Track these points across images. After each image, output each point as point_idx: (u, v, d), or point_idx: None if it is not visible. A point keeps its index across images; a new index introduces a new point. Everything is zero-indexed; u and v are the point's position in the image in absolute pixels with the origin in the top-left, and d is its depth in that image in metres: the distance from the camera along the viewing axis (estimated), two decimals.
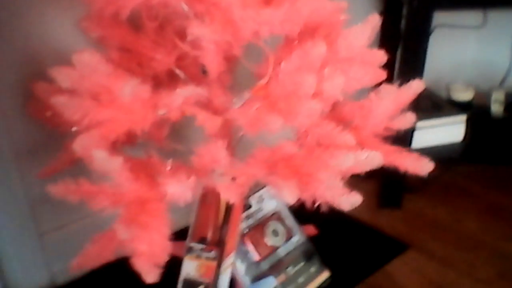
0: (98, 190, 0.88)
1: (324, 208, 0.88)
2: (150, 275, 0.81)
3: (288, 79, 0.87)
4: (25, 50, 1.08)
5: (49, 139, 1.12)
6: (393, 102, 0.98)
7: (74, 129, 0.91)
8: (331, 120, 0.94)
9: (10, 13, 1.03)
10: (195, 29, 0.81)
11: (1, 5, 1.01)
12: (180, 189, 0.84)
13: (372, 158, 0.88)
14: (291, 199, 0.82)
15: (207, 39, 0.83)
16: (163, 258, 0.84)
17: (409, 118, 1.06)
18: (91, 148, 0.83)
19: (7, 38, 1.04)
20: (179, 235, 1.01)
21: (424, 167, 0.99)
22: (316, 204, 0.88)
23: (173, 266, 0.92)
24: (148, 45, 1.05)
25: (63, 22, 1.10)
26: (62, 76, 0.89)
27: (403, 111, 1.05)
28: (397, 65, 1.35)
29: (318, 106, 0.85)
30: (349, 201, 0.85)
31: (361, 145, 0.94)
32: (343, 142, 0.90)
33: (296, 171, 0.88)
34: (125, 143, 0.99)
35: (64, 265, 1.14)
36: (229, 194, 0.86)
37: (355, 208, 1.34)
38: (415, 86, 1.00)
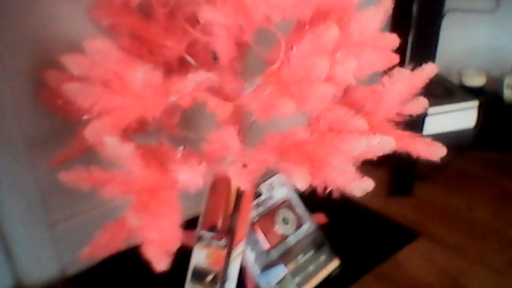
0: (109, 178, 0.87)
1: (335, 194, 0.87)
2: (161, 263, 0.81)
3: (300, 63, 0.87)
4: (36, 39, 1.08)
5: (60, 128, 1.12)
6: (406, 86, 0.97)
7: (85, 117, 0.91)
8: (343, 105, 0.93)
9: (21, 1, 1.03)
10: (207, 13, 0.80)
11: None
12: (191, 176, 0.83)
13: (384, 143, 0.87)
14: (303, 185, 0.81)
15: (218, 23, 0.82)
16: (174, 246, 0.83)
17: (421, 103, 1.04)
18: (102, 135, 0.83)
19: (19, 27, 1.04)
20: (190, 224, 1.01)
21: (437, 152, 0.98)
22: (328, 190, 0.87)
23: (183, 255, 0.92)
24: (159, 32, 1.04)
25: (74, 11, 1.10)
26: (73, 63, 0.89)
27: (416, 95, 1.03)
28: (409, 50, 1.34)
29: (330, 89, 0.84)
30: (361, 186, 0.84)
31: (373, 130, 0.93)
32: (355, 127, 0.89)
33: (307, 157, 0.87)
34: (136, 131, 0.99)
35: (75, 256, 1.15)
36: (240, 181, 0.86)
37: (366, 195, 1.34)
38: (428, 70, 0.99)
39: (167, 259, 0.81)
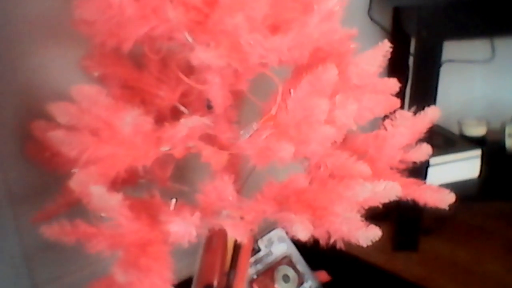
0: (95, 232, 0.83)
1: (339, 245, 0.82)
2: None
3: (298, 106, 0.84)
4: (25, 91, 1.06)
5: (46, 183, 1.08)
6: (409, 130, 0.94)
7: (74, 170, 0.87)
8: (345, 152, 0.89)
9: (12, 54, 1.03)
10: (200, 54, 0.77)
11: (4, 46, 1.01)
12: (183, 227, 0.79)
13: (390, 189, 0.82)
14: (304, 235, 0.76)
15: (212, 64, 0.79)
16: None
17: (425, 150, 1.01)
18: (89, 185, 0.78)
19: (8, 79, 1.04)
20: (183, 286, 0.97)
21: (445, 199, 0.93)
22: (331, 241, 0.82)
23: None
24: (152, 82, 1.03)
25: (65, 62, 1.09)
26: (60, 111, 0.87)
27: (418, 142, 1.00)
28: (407, 97, 1.33)
29: (331, 131, 0.80)
30: (367, 235, 0.79)
31: (376, 177, 0.88)
32: (358, 173, 0.84)
33: (308, 205, 0.82)
34: (126, 183, 0.95)
35: None
36: (236, 233, 0.81)
37: (370, 251, 1.28)
38: (431, 113, 0.96)
39: None
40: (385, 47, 0.95)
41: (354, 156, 0.89)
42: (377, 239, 0.80)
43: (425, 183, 0.98)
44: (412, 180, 0.97)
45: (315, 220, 0.80)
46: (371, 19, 1.64)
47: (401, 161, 1.00)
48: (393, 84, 1.00)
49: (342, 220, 0.79)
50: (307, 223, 0.76)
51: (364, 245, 0.80)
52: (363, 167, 0.86)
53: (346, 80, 0.91)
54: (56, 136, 0.84)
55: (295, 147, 0.80)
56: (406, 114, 0.94)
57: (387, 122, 0.94)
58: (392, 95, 1.01)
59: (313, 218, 0.79)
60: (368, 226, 0.80)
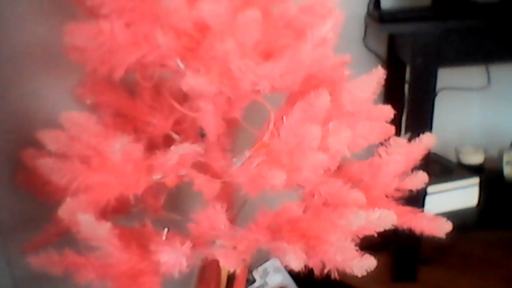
0: (84, 261, 0.82)
1: (334, 275, 0.79)
2: None
3: (291, 133, 0.83)
4: (16, 119, 1.07)
5: (36, 212, 1.05)
6: (404, 157, 0.93)
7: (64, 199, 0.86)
8: (339, 179, 0.88)
9: (3, 81, 1.03)
10: (190, 80, 0.77)
11: None
12: (174, 257, 0.77)
13: (385, 217, 0.81)
14: (298, 265, 0.74)
15: (203, 91, 0.79)
16: None
17: (421, 178, 0.99)
18: (78, 214, 0.77)
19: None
20: None
21: (441, 228, 0.92)
22: (326, 271, 0.80)
23: None
24: (144, 110, 1.03)
25: (57, 90, 1.09)
26: (50, 139, 0.87)
27: (415, 170, 0.99)
28: (403, 125, 1.32)
29: (323, 158, 0.79)
30: (362, 265, 0.77)
31: (372, 205, 0.87)
32: (352, 201, 0.83)
33: (302, 234, 0.81)
34: (117, 212, 0.94)
35: None
36: (229, 263, 0.79)
37: (368, 282, 1.26)
38: (426, 140, 0.95)
39: None
40: (379, 74, 0.94)
41: (348, 184, 0.87)
42: (372, 269, 0.78)
43: (422, 211, 0.96)
44: (408, 208, 0.95)
45: (309, 249, 0.78)
46: (366, 47, 1.64)
47: (397, 189, 0.99)
48: (388, 111, 0.99)
49: (336, 249, 0.78)
50: (300, 253, 0.75)
51: (359, 275, 0.78)
52: (358, 195, 0.84)
53: (339, 106, 0.90)
54: (46, 164, 0.83)
55: (287, 174, 0.79)
56: (400, 141, 0.93)
57: (381, 149, 0.93)
58: (387, 122, 1.01)
59: (306, 247, 0.78)
60: (363, 255, 0.78)
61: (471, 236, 1.65)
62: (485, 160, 1.71)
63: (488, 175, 1.66)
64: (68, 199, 0.80)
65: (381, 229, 0.82)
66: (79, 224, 0.76)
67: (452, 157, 1.72)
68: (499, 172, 1.71)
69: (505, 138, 1.81)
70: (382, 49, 1.65)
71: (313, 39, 0.87)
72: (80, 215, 0.75)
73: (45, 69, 1.08)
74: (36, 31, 1.04)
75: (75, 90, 1.03)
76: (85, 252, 0.82)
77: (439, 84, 1.63)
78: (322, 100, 0.82)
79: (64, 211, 0.79)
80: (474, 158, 1.69)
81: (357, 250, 0.79)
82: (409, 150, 0.94)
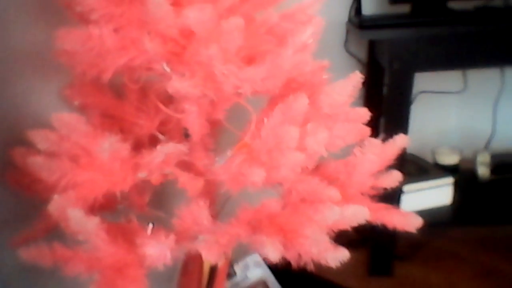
0: (73, 255, 0.85)
1: (310, 267, 0.84)
2: None
3: (271, 134, 0.87)
4: (5, 119, 1.08)
5: (24, 209, 1.08)
6: (378, 157, 0.98)
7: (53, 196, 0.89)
8: (316, 177, 0.92)
9: None
10: (175, 83, 0.81)
11: None
12: (159, 250, 0.81)
13: (358, 213, 0.85)
14: (275, 256, 0.78)
15: (188, 94, 0.83)
16: None
17: (395, 176, 1.04)
18: (67, 209, 0.80)
19: None
20: None
21: (412, 223, 0.97)
22: (302, 263, 0.84)
23: None
24: (131, 111, 1.06)
25: (46, 91, 1.11)
26: (40, 138, 0.89)
27: (389, 168, 1.04)
28: (381, 127, 1.37)
29: (301, 157, 0.84)
30: (336, 257, 0.82)
31: (347, 202, 0.92)
32: (328, 197, 0.88)
33: (280, 229, 0.85)
34: (104, 208, 0.97)
35: None
36: (211, 255, 0.83)
37: (345, 276, 1.31)
38: (400, 141, 1.00)
39: None
40: (356, 78, 0.99)
41: (325, 181, 0.92)
42: (345, 260, 0.82)
43: (394, 208, 1.01)
44: (381, 205, 1.00)
45: (287, 242, 0.82)
46: (348, 51, 1.70)
47: (372, 187, 1.04)
48: (364, 113, 1.04)
49: (312, 242, 0.82)
50: (278, 245, 0.79)
51: (333, 266, 0.82)
52: (333, 192, 0.89)
53: (317, 109, 0.95)
54: (36, 162, 0.86)
55: (267, 172, 0.84)
56: (375, 142, 0.98)
57: (357, 149, 0.98)
58: (364, 123, 1.05)
59: (284, 240, 0.82)
60: (337, 248, 0.83)
61: (445, 233, 1.70)
62: (460, 160, 1.78)
63: (462, 175, 1.73)
64: (58, 196, 0.83)
65: (355, 224, 0.87)
66: (68, 218, 0.79)
67: (429, 158, 1.78)
68: (473, 172, 1.78)
69: (480, 140, 1.89)
70: (363, 54, 1.71)
71: (294, 45, 0.91)
72: (70, 210, 0.79)
73: (34, 71, 1.09)
74: (26, 35, 1.06)
75: (63, 92, 1.05)
76: (73, 246, 0.86)
77: (418, 87, 1.69)
78: (301, 103, 0.86)
79: (53, 207, 0.82)
80: (450, 159, 1.75)
81: (331, 243, 0.83)
82: (383, 150, 0.99)
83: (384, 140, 1.01)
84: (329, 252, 0.82)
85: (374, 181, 1.02)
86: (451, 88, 1.83)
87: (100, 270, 0.85)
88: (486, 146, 1.88)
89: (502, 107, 1.86)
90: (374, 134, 1.11)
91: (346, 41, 1.69)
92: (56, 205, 0.82)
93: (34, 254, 0.83)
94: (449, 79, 1.82)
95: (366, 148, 0.97)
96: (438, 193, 1.59)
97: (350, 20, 1.58)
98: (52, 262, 0.84)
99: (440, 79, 1.79)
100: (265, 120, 0.89)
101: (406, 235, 1.17)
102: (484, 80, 1.83)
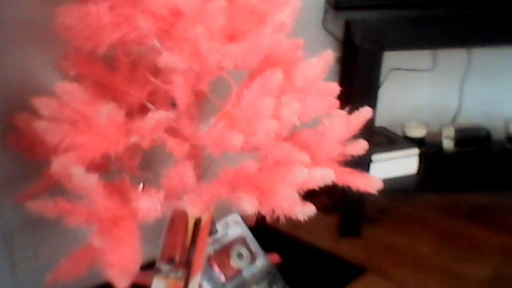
0: (73, 208, 0.95)
1: (282, 220, 0.96)
2: (121, 282, 0.88)
3: (249, 104, 0.98)
4: (6, 87, 1.16)
5: (25, 169, 1.18)
6: (344, 126, 1.09)
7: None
8: (290, 144, 1.03)
9: None
10: (166, 58, 0.91)
11: None
12: (150, 204, 0.91)
13: (325, 174, 0.97)
14: (251, 210, 0.90)
15: (176, 67, 0.93)
16: (134, 268, 0.90)
17: (361, 145, 1.15)
18: (69, 167, 0.91)
19: None
20: (147, 267, 1.07)
21: (374, 185, 1.09)
22: (275, 217, 0.96)
23: None
24: (122, 81, 1.14)
25: (42, 61, 1.19)
26: (43, 104, 0.98)
27: (356, 137, 1.15)
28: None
29: (275, 124, 0.95)
30: (304, 211, 0.93)
31: (317, 166, 1.03)
32: (299, 161, 0.99)
33: (256, 187, 0.96)
34: (100, 169, 1.06)
35: None
36: (195, 209, 0.94)
37: (319, 237, 1.43)
38: (364, 112, 1.11)
39: (127, 278, 0.88)
40: (328, 56, 1.09)
41: (297, 147, 1.03)
42: (312, 215, 0.94)
43: (358, 172, 1.12)
44: (347, 169, 1.11)
45: (262, 199, 0.93)
46: (325, 29, 1.79)
47: (341, 154, 1.15)
48: (334, 87, 1.14)
49: (284, 198, 0.93)
50: (254, 200, 0.90)
51: (301, 220, 0.94)
52: (303, 156, 1.00)
53: (291, 83, 1.05)
54: (41, 126, 0.95)
55: (245, 137, 0.94)
56: (341, 113, 1.09)
57: (325, 119, 1.09)
58: (335, 97, 1.16)
59: (260, 197, 0.93)
60: (304, 203, 0.94)
61: (410, 199, 1.82)
62: (427, 134, 1.88)
63: (428, 147, 1.83)
64: (61, 156, 0.93)
65: (322, 184, 0.99)
66: (71, 176, 0.90)
67: (399, 131, 1.88)
68: (439, 145, 1.89)
69: (447, 115, 1.98)
70: (340, 32, 1.80)
71: (272, 25, 1.01)
72: (73, 168, 0.89)
73: (32, 43, 1.17)
74: (24, 10, 1.14)
75: (59, 63, 1.12)
76: (73, 201, 0.96)
77: (391, 65, 1.79)
78: (276, 77, 0.97)
79: (57, 166, 0.92)
80: (417, 132, 1.86)
81: (300, 200, 0.95)
82: (349, 120, 1.10)
83: (350, 111, 1.12)
84: (298, 207, 0.93)
85: (342, 148, 1.14)
86: (421, 66, 1.92)
87: (98, 222, 0.95)
88: (453, 121, 1.97)
89: (468, 85, 1.96)
90: (347, 106, 1.22)
91: (324, 20, 1.77)
92: (60, 164, 0.92)
93: (41, 207, 0.93)
94: (419, 58, 1.91)
95: (334, 119, 1.08)
96: (405, 163, 1.69)
97: (327, 1, 1.66)
98: (56, 215, 0.93)
99: (411, 58, 1.87)
100: (244, 92, 1.00)
101: (375, 201, 1.29)
102: (453, 59, 1.92)
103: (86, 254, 0.96)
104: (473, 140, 1.88)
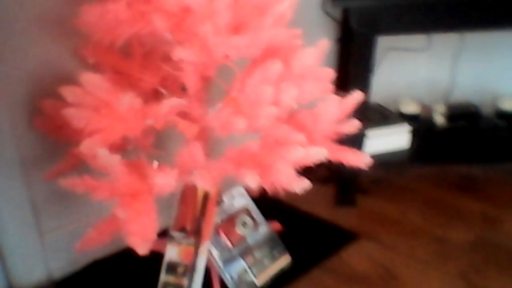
0: (98, 184, 1.06)
1: (281, 193, 1.08)
2: (142, 248, 1.00)
3: (252, 91, 1.08)
4: (32, 74, 1.26)
5: (51, 149, 1.29)
6: (338, 108, 1.20)
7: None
8: (289, 125, 1.15)
9: (22, 43, 1.22)
10: (178, 52, 1.02)
11: (16, 36, 1.21)
12: (165, 180, 1.04)
13: (319, 152, 1.09)
14: (253, 184, 1.01)
15: (187, 60, 1.04)
16: (152, 235, 1.03)
17: (354, 124, 1.26)
18: (95, 148, 1.03)
19: (18, 64, 1.23)
20: (161, 234, 1.17)
21: (362, 161, 1.21)
22: (275, 190, 1.08)
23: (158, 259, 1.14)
24: (137, 68, 1.24)
25: (64, 51, 1.29)
26: (69, 92, 1.08)
27: (349, 117, 1.26)
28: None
29: (274, 110, 1.06)
30: (300, 185, 1.05)
31: (313, 145, 1.14)
32: (296, 141, 1.11)
33: (258, 164, 1.07)
34: (119, 149, 1.17)
35: (61, 262, 1.33)
36: (204, 184, 1.06)
37: (317, 207, 1.55)
38: (356, 96, 1.22)
39: (147, 245, 1.01)
40: (323, 45, 1.19)
41: (294, 128, 1.15)
42: (308, 188, 1.06)
43: (351, 149, 1.24)
44: (340, 147, 1.23)
45: (263, 174, 1.05)
46: (324, 12, 1.88)
47: (336, 133, 1.26)
48: (330, 72, 1.25)
49: (282, 174, 1.05)
50: (256, 175, 1.02)
51: (299, 193, 1.06)
52: (300, 136, 1.11)
53: (290, 70, 1.15)
54: (67, 113, 1.06)
55: (248, 121, 1.06)
56: (334, 97, 1.20)
57: (320, 103, 1.20)
58: (331, 80, 1.26)
59: (261, 173, 1.05)
60: (301, 178, 1.07)
61: (402, 171, 1.93)
62: (421, 110, 1.97)
63: (421, 122, 1.93)
64: (87, 139, 1.05)
65: (317, 161, 1.11)
66: (96, 156, 1.02)
67: (394, 108, 1.98)
68: (431, 120, 1.99)
69: (441, 92, 2.08)
70: (338, 13, 1.89)
71: (273, 16, 1.11)
72: (98, 149, 1.01)
73: (55, 35, 1.27)
74: (46, 5, 1.23)
75: (79, 52, 1.22)
76: (97, 178, 1.07)
77: (388, 45, 1.89)
78: (276, 66, 1.07)
79: (85, 147, 1.04)
80: (411, 109, 1.95)
81: (297, 175, 1.07)
82: (341, 103, 1.22)
83: (346, 92, 1.23)
84: (295, 181, 1.06)
85: (336, 128, 1.25)
86: (416, 46, 2.01)
87: (120, 196, 1.07)
88: (446, 98, 2.07)
89: (460, 64, 2.05)
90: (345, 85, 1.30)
91: (323, 3, 1.86)
92: (88, 145, 1.03)
93: (70, 183, 1.05)
94: (415, 38, 1.99)
95: (328, 101, 1.20)
96: (398, 138, 1.80)
97: None
98: (83, 190, 1.05)
99: (407, 39, 1.96)
100: (247, 80, 1.11)
101: (369, 173, 1.40)
102: (446, 40, 2.01)
103: (110, 224, 1.09)
104: (464, 116, 1.96)
